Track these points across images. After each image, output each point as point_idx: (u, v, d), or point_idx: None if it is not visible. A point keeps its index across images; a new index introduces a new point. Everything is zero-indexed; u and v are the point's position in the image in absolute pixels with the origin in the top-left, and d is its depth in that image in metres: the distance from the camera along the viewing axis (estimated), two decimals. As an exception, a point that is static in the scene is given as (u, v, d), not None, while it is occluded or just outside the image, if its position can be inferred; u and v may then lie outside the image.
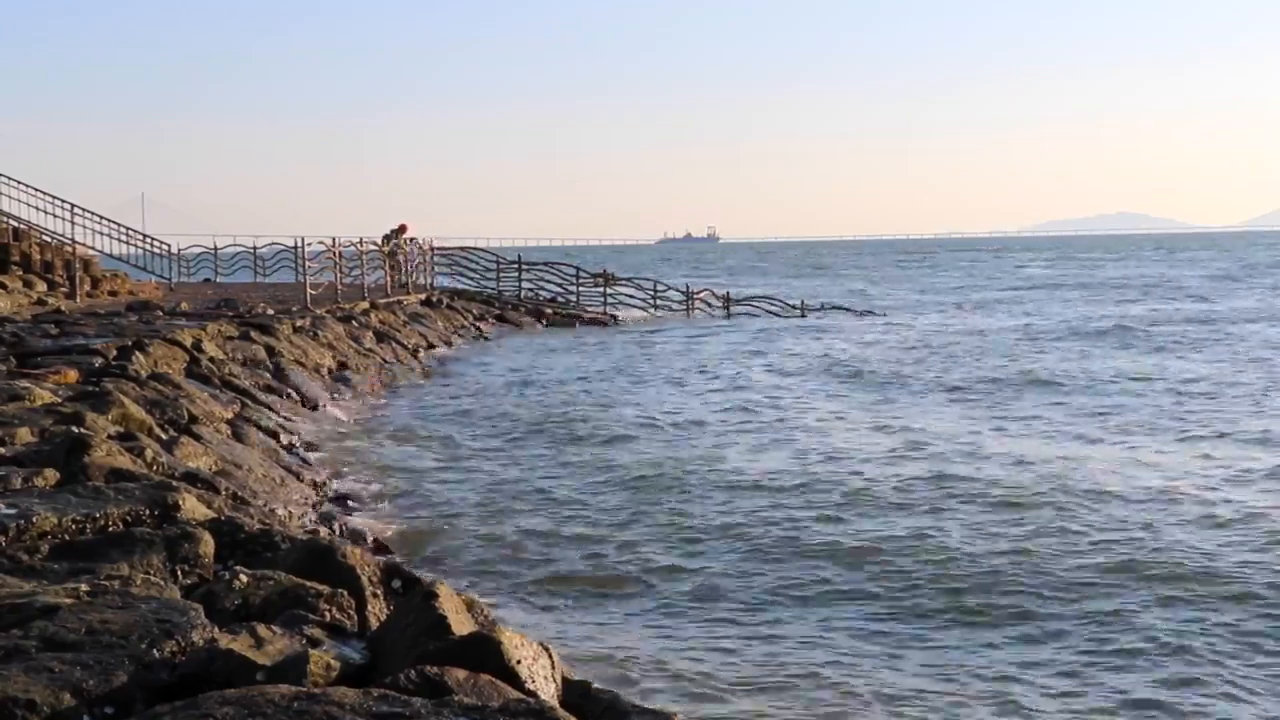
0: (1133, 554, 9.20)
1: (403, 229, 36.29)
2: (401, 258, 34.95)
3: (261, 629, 4.48)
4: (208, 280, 39.66)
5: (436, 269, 37.72)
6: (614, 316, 37.05)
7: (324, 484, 11.76)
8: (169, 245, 37.27)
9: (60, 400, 10.20)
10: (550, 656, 4.64)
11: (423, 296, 33.23)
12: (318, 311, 23.39)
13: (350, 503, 11.15)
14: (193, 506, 6.67)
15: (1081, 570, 8.88)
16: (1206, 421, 15.75)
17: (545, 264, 40.31)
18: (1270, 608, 7.98)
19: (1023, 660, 7.16)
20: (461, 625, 4.67)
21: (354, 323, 24.45)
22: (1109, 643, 7.39)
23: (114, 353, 13.66)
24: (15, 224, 26.06)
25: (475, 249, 41.31)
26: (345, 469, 12.91)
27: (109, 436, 8.72)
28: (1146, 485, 11.70)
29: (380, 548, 9.31)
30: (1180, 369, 22.04)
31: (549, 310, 37.01)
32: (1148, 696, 6.63)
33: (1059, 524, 10.18)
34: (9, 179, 27.68)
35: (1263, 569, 8.79)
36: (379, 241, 33.74)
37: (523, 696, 4.14)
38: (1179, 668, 6.99)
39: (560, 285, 38.82)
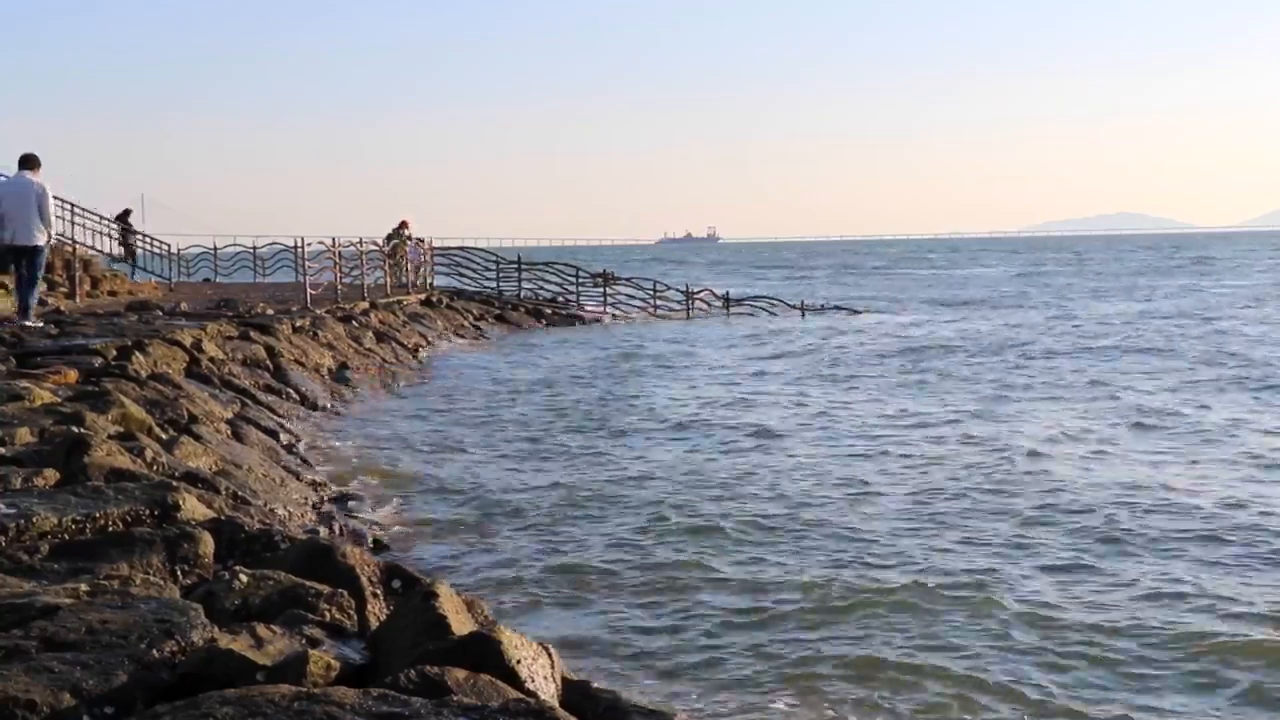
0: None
1: (404, 225, 36.32)
2: (405, 252, 34.98)
3: (261, 629, 4.48)
4: (207, 280, 39.66)
5: (436, 269, 37.72)
6: (614, 316, 37.08)
7: (324, 484, 11.76)
8: (169, 245, 37.34)
9: (60, 400, 10.20)
10: (550, 656, 4.64)
11: (423, 296, 33.22)
12: (318, 311, 23.38)
13: (350, 502, 11.14)
14: (193, 506, 6.67)
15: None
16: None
17: (545, 264, 40.31)
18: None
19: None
20: (461, 625, 4.67)
21: (354, 323, 24.45)
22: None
23: (114, 353, 13.65)
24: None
25: (475, 249, 41.31)
26: (345, 468, 12.90)
27: (109, 436, 8.72)
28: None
29: (380, 547, 9.31)
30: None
31: (549, 310, 37.02)
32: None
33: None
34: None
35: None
36: (379, 242, 33.74)
37: (522, 696, 4.14)
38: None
39: (560, 285, 38.83)
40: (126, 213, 33.17)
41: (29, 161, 15.90)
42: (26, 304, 16.31)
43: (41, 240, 15.96)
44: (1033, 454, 13.57)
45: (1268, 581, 8.69)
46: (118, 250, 31.99)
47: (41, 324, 16.05)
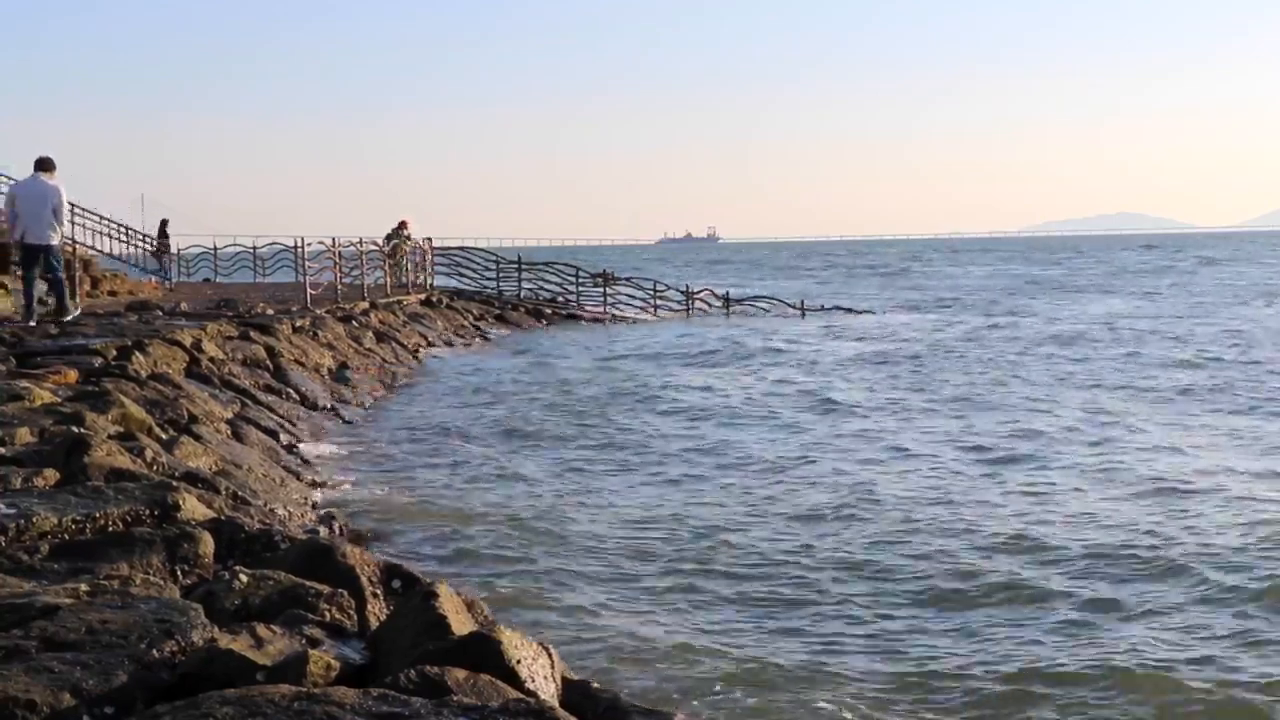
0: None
1: (404, 225, 36.30)
2: (405, 252, 34.98)
3: (261, 629, 4.47)
4: (207, 280, 39.67)
5: (436, 269, 37.70)
6: (614, 316, 37.07)
7: (324, 484, 11.76)
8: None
9: (60, 400, 10.20)
10: (550, 656, 4.64)
11: (423, 296, 33.21)
12: (318, 311, 23.37)
13: (350, 502, 11.14)
14: (193, 506, 6.67)
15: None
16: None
17: (545, 264, 40.30)
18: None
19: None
20: (461, 625, 4.67)
21: (354, 323, 24.44)
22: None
23: (114, 353, 13.65)
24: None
25: (475, 249, 41.30)
26: (345, 468, 12.91)
27: (109, 436, 8.72)
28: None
29: (378, 541, 9.30)
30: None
31: (549, 310, 37.02)
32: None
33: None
34: (9, 179, 27.69)
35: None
36: (379, 242, 33.73)
37: (522, 696, 4.13)
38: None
39: (560, 285, 38.81)
40: (165, 223, 34.59)
41: (45, 164, 16.51)
42: (62, 303, 17.12)
43: (55, 240, 16.65)
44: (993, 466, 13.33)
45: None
46: (151, 260, 34.02)
47: (79, 312, 17.23)
